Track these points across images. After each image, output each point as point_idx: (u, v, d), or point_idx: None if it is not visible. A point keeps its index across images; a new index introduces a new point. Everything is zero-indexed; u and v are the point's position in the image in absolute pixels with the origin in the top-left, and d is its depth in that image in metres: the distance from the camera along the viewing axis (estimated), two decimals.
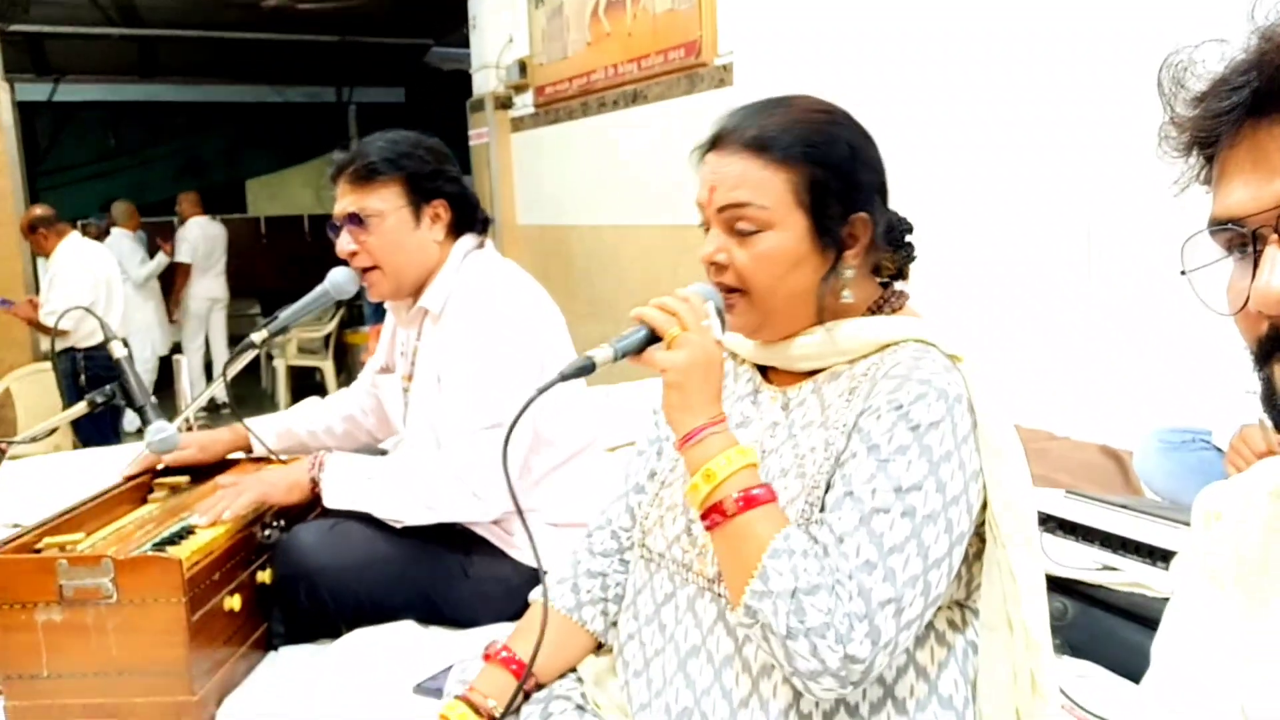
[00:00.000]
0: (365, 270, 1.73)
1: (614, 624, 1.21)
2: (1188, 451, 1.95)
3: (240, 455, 1.96)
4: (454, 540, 1.66)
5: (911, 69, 3.05)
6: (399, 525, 1.60)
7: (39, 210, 4.59)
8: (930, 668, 1.03)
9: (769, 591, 0.91)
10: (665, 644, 1.08)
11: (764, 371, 1.16)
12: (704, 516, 0.99)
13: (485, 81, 6.18)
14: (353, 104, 10.82)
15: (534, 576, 1.28)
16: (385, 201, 1.70)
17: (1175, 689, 0.73)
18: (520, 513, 1.11)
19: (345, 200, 1.72)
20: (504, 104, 6.11)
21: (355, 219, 1.70)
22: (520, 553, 1.70)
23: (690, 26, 4.45)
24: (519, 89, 5.95)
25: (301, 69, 10.10)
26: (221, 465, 1.90)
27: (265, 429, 1.95)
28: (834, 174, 1.05)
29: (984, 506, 1.02)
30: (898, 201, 1.13)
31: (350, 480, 1.62)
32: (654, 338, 1.03)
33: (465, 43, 6.44)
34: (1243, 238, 0.62)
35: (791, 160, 1.04)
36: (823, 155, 1.05)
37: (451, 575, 1.65)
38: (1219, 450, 1.88)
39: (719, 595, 1.04)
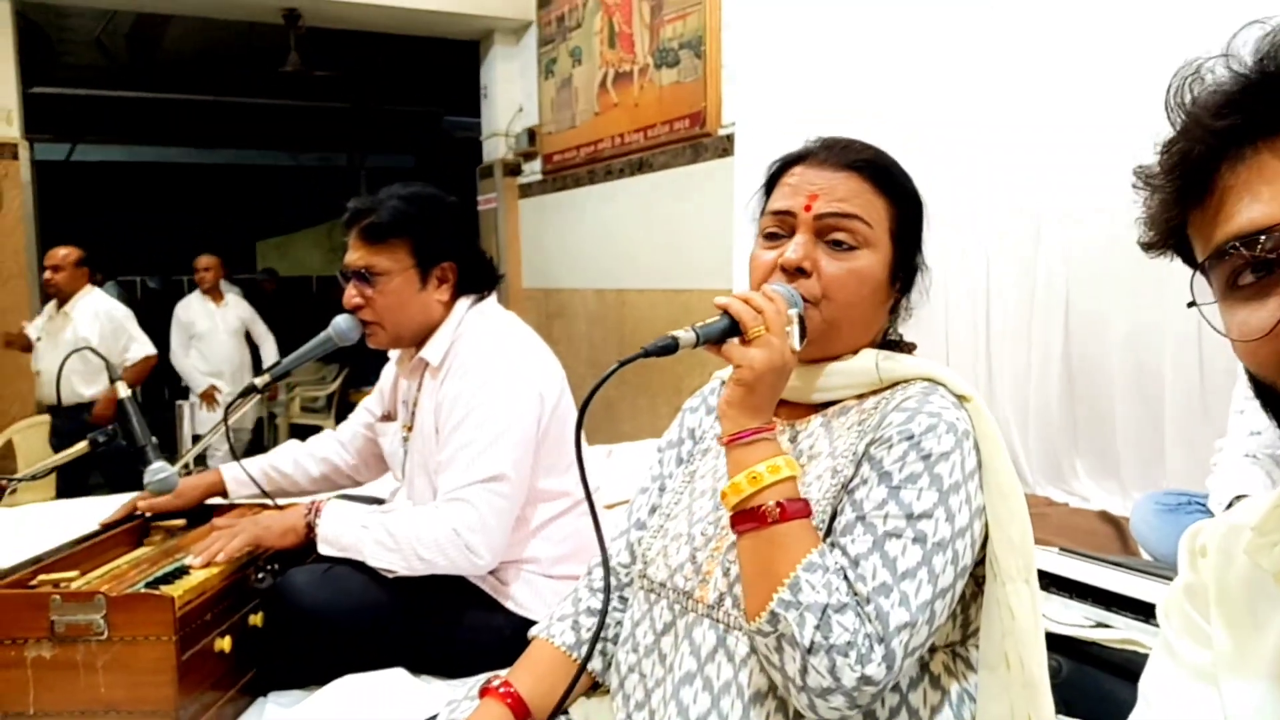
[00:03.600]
0: (367, 323, 1.76)
1: (609, 664, 1.21)
2: (1183, 514, 1.95)
3: (220, 500, 1.95)
4: (447, 589, 1.66)
5: (906, 145, 3.12)
6: (391, 575, 1.60)
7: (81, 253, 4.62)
8: (923, 710, 1.02)
9: (798, 603, 0.92)
10: (665, 674, 1.08)
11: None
12: (737, 518, 0.99)
13: (495, 149, 6.32)
14: (364, 169, 11.01)
15: (527, 627, 1.28)
16: (393, 261, 1.73)
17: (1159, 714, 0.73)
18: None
19: (355, 255, 1.75)
20: (512, 171, 6.23)
21: (362, 275, 1.73)
22: (514, 603, 1.70)
23: (695, 98, 4.56)
24: (527, 156, 6.07)
25: (315, 134, 10.31)
26: (204, 510, 1.91)
27: (240, 473, 1.95)
28: (914, 218, 1.12)
29: (984, 544, 1.03)
30: None
31: (345, 528, 1.62)
32: (734, 330, 1.03)
33: (476, 111, 6.58)
34: (1259, 257, 0.61)
35: (895, 193, 1.11)
36: (913, 198, 1.13)
37: (444, 624, 1.64)
38: (1213, 514, 1.88)
39: (717, 621, 1.04)
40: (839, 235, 1.08)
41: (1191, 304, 0.67)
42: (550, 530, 1.73)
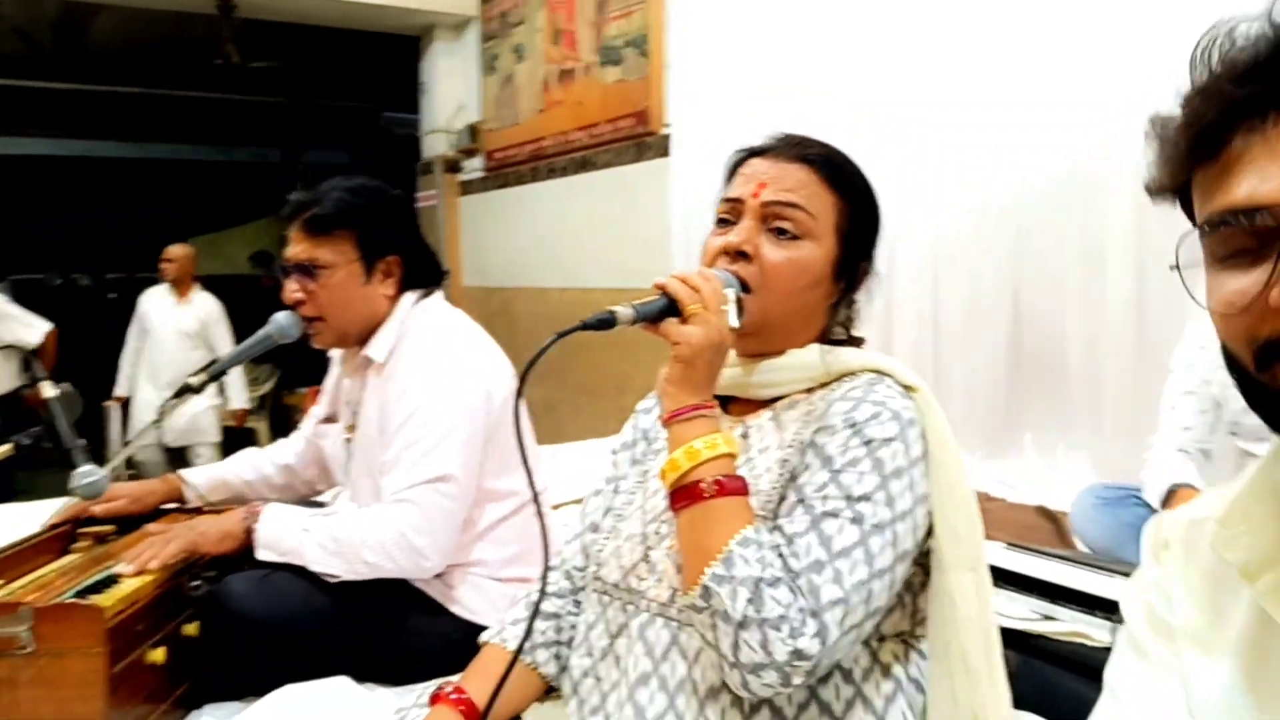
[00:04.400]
0: (310, 319, 1.71)
1: (564, 668, 1.19)
2: (1122, 508, 2.00)
3: (173, 506, 1.89)
4: (393, 594, 1.62)
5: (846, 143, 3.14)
6: (334, 580, 1.55)
7: None
8: (877, 700, 1.03)
9: (731, 577, 0.92)
10: (620, 677, 1.07)
11: (724, 405, 1.17)
12: (675, 496, 0.99)
13: (435, 145, 6.24)
14: (300, 165, 10.79)
15: (475, 632, 1.25)
16: (337, 254, 1.69)
17: (1124, 717, 0.74)
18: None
19: (297, 248, 1.70)
20: (453, 167, 6.17)
21: (305, 269, 1.68)
22: (462, 608, 1.66)
23: (639, 97, 4.55)
24: (469, 153, 6.01)
25: (249, 129, 10.08)
26: (150, 516, 1.84)
27: (200, 479, 1.90)
28: (867, 219, 1.14)
29: (930, 534, 1.03)
30: None
31: (285, 532, 1.57)
32: (672, 309, 1.03)
33: (415, 107, 6.50)
34: (1257, 230, 0.61)
35: (846, 190, 1.12)
36: (866, 200, 1.14)
37: (389, 630, 1.60)
38: (1150, 508, 1.92)
39: (671, 620, 1.04)
40: (782, 223, 1.09)
41: (1174, 267, 0.67)
42: (498, 532, 1.70)
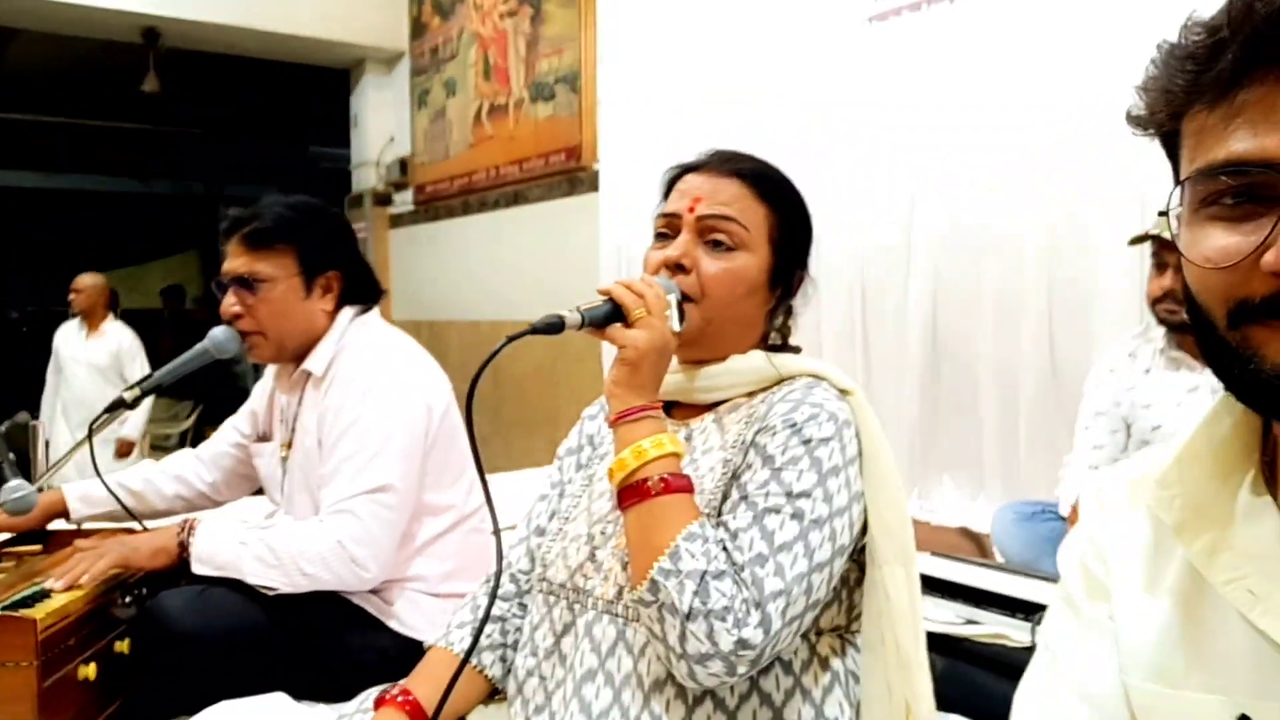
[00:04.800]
0: (247, 334, 1.71)
1: (509, 670, 1.20)
2: (1039, 522, 2.09)
3: (63, 525, 1.84)
4: (330, 609, 1.61)
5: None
6: (272, 593, 1.54)
7: None
8: (815, 691, 1.07)
9: (677, 570, 0.95)
10: (565, 674, 1.09)
11: (668, 410, 1.21)
12: (623, 494, 1.03)
13: (365, 178, 6.24)
14: (223, 197, 10.63)
15: (413, 648, 1.26)
16: (277, 269, 1.70)
17: (1058, 671, 0.76)
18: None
19: (236, 261, 1.70)
20: (383, 200, 6.16)
21: (244, 282, 1.69)
22: (399, 623, 1.66)
23: (570, 132, 4.63)
24: (399, 186, 6.02)
25: (169, 160, 9.91)
26: (41, 534, 1.81)
27: (86, 494, 1.84)
28: (799, 229, 1.19)
29: (865, 530, 1.08)
30: None
31: (221, 545, 1.56)
32: (617, 314, 1.08)
33: (342, 141, 6.49)
34: (1256, 187, 0.59)
35: (777, 202, 1.17)
36: (796, 210, 1.19)
37: (326, 646, 1.59)
38: (1065, 520, 2.02)
39: (617, 616, 1.07)
40: (717, 235, 1.14)
41: (1163, 213, 0.66)
42: (436, 547, 1.71)
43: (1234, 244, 0.60)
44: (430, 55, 5.75)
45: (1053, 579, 1.58)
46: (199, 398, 7.30)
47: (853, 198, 3.03)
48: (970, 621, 1.53)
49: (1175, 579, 0.70)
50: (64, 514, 1.84)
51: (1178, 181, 0.66)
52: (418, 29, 5.85)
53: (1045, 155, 2.51)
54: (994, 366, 2.69)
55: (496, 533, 1.05)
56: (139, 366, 4.97)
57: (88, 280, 5.00)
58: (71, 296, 4.98)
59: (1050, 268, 2.52)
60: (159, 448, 7.20)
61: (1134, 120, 0.68)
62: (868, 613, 1.10)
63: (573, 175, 4.58)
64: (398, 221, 6.09)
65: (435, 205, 5.68)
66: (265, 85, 7.29)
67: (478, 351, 1.06)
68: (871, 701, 1.09)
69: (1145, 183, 2.25)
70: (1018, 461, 2.62)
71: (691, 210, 1.15)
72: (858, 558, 1.11)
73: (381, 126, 6.16)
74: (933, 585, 1.58)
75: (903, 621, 1.08)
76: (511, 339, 1.03)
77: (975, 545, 2.55)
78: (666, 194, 1.21)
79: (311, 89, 6.80)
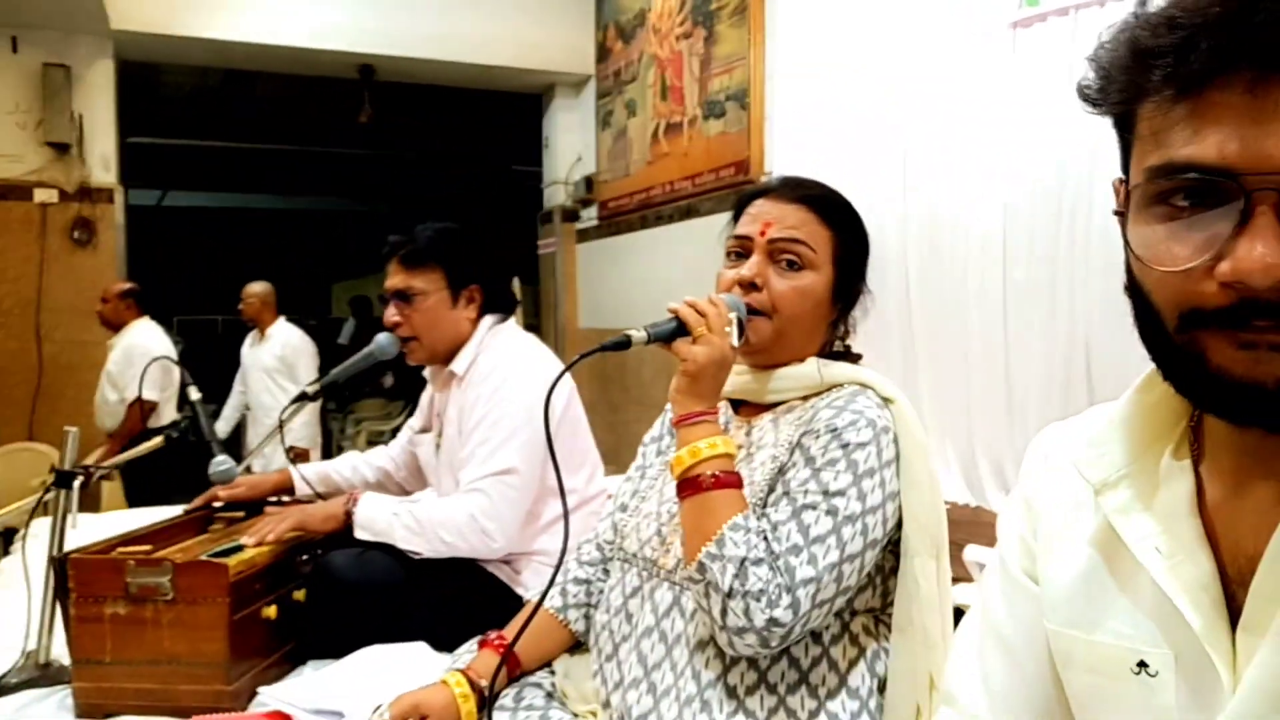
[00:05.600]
0: (405, 339, 2.00)
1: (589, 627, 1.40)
2: None
3: (286, 498, 2.20)
4: (467, 575, 1.87)
5: (935, 194, 3.29)
6: (416, 556, 1.81)
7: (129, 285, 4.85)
8: (842, 663, 1.20)
9: (721, 555, 1.10)
10: (630, 630, 1.27)
11: (736, 407, 1.38)
12: (680, 486, 1.18)
13: (555, 196, 6.61)
14: (428, 215, 11.46)
15: None
16: (428, 283, 1.99)
17: (985, 622, 0.84)
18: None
19: (395, 278, 2.01)
20: (570, 216, 6.52)
21: (402, 295, 1.99)
22: (525, 590, 1.90)
23: (740, 147, 4.79)
24: (585, 203, 6.35)
25: (384, 184, 10.80)
26: (267, 502, 2.15)
27: (308, 472, 2.20)
28: (858, 249, 1.33)
29: (900, 525, 1.21)
30: None
31: (378, 514, 1.85)
32: (682, 331, 1.23)
33: (537, 160, 6.91)
34: (1215, 191, 0.58)
35: (839, 225, 1.31)
36: (856, 232, 1.33)
37: (459, 607, 1.84)
38: None
39: (674, 584, 1.23)
40: (787, 257, 1.28)
41: (1118, 213, 0.66)
42: (558, 526, 1.94)
43: (1186, 248, 0.60)
44: (613, 78, 6.05)
45: None
46: (409, 398, 7.96)
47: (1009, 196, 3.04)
48: None
49: (1095, 533, 0.75)
50: (290, 489, 2.20)
51: (1126, 169, 0.67)
52: (602, 53, 6.16)
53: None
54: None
55: (566, 515, 1.23)
56: (306, 365, 5.27)
57: (253, 289, 5.35)
58: (241, 306, 5.34)
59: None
60: (375, 443, 7.89)
61: (1084, 96, 0.68)
62: (899, 598, 1.21)
63: (741, 188, 4.73)
64: (584, 236, 6.42)
65: (617, 220, 5.96)
66: (469, 112, 7.85)
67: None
68: (899, 675, 1.20)
69: None
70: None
71: (763, 234, 1.29)
72: (894, 549, 1.22)
73: (570, 147, 6.51)
74: None
75: (930, 606, 1.19)
76: (583, 356, 1.22)
77: None
78: (737, 217, 1.36)
79: (509, 113, 7.27)
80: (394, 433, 7.59)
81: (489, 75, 6.21)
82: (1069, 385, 2.76)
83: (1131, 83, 0.63)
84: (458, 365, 1.99)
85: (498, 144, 8.70)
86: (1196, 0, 0.59)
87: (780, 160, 4.36)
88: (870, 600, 1.24)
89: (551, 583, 1.45)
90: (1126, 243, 0.66)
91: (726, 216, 4.45)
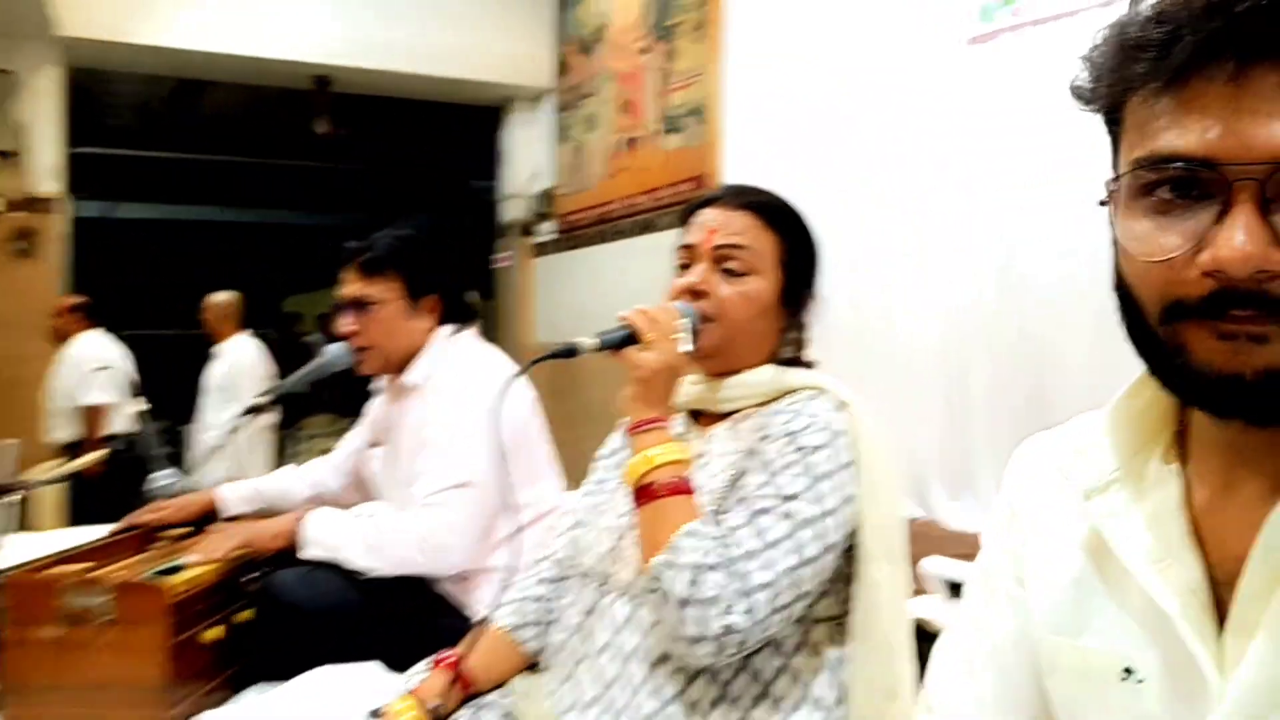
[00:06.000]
0: (360, 349, 1.95)
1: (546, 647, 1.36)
2: None
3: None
4: (420, 594, 1.82)
5: (894, 209, 3.30)
6: (370, 574, 1.76)
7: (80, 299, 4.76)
8: (804, 673, 1.18)
9: (675, 562, 1.08)
10: (588, 648, 1.23)
11: (695, 417, 1.36)
12: (635, 494, 1.16)
13: (512, 209, 6.57)
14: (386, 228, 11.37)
15: None
16: (385, 292, 1.94)
17: (971, 631, 0.82)
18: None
19: (352, 286, 1.96)
20: (528, 230, 6.47)
21: (358, 303, 1.93)
22: (480, 609, 1.85)
23: (698, 161, 4.78)
24: (543, 217, 6.31)
25: (339, 195, 10.69)
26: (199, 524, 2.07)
27: (235, 492, 2.13)
28: (806, 254, 1.32)
29: (858, 530, 1.18)
30: None
31: (329, 530, 1.79)
32: (633, 338, 1.22)
33: (492, 174, 6.87)
34: (1198, 182, 0.59)
35: (784, 230, 1.30)
36: (803, 238, 1.32)
37: (413, 626, 1.79)
38: None
39: (631, 597, 1.20)
40: (731, 263, 1.27)
41: (1103, 203, 0.66)
42: (515, 542, 1.88)
43: (1171, 239, 0.61)
44: (573, 92, 6.03)
45: None
46: (358, 413, 7.85)
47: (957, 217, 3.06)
48: None
49: (1083, 539, 0.74)
50: (215, 510, 2.12)
51: (1116, 164, 0.67)
52: (563, 68, 6.14)
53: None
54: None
55: (519, 530, 1.20)
56: (250, 385, 4.83)
57: (212, 299, 5.20)
58: (201, 317, 5.19)
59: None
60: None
61: (1077, 93, 0.68)
62: (858, 605, 1.19)
63: None
64: (541, 250, 6.38)
65: (575, 234, 5.94)
66: (426, 124, 7.79)
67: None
68: (858, 685, 1.18)
69: None
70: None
71: (708, 241, 1.28)
72: (853, 553, 1.20)
73: (528, 160, 6.47)
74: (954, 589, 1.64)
75: (889, 613, 1.17)
76: (532, 363, 1.20)
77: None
78: (685, 226, 1.35)
79: (467, 127, 7.22)
80: None
81: (447, 88, 6.16)
82: (1015, 393, 2.77)
83: (1119, 77, 0.64)
84: (414, 376, 1.95)
85: (454, 157, 8.65)
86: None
87: (739, 174, 4.36)
88: (831, 607, 1.22)
89: (504, 599, 1.41)
90: (1114, 238, 0.66)
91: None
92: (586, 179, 5.86)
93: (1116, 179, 0.66)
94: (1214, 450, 0.69)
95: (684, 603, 1.06)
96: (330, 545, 1.78)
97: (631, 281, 5.30)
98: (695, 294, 1.28)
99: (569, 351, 1.20)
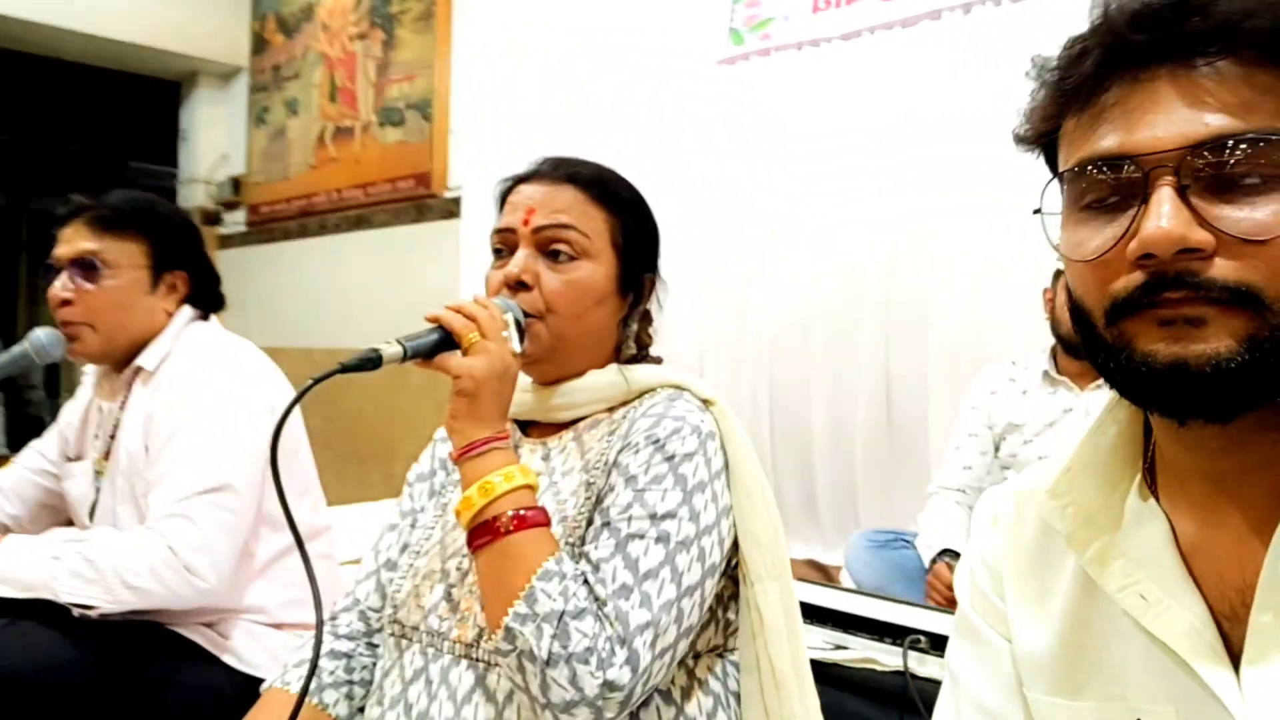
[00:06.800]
0: (73, 325, 1.55)
1: (360, 710, 1.10)
2: (890, 550, 2.14)
3: None
4: (158, 642, 1.45)
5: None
6: (92, 614, 1.37)
7: None
8: (700, 718, 1.02)
9: (534, 615, 0.88)
10: None
11: (524, 428, 1.15)
12: (473, 535, 0.94)
13: (192, 195, 5.89)
14: (28, 210, 9.83)
15: (252, 686, 1.14)
16: (124, 256, 1.57)
17: (960, 693, 0.77)
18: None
19: (78, 242, 1.55)
20: (212, 220, 5.84)
21: (85, 264, 1.54)
22: (236, 658, 1.52)
23: (422, 158, 4.53)
24: (230, 206, 5.72)
25: None
26: None
27: None
28: (643, 232, 1.14)
29: (736, 546, 1.04)
30: None
31: (29, 562, 1.38)
32: (448, 342, 0.99)
33: (165, 158, 6.13)
34: (1121, 181, 0.62)
35: (616, 206, 1.11)
36: (639, 212, 1.14)
37: (154, 684, 1.43)
38: (917, 550, 2.07)
39: (476, 661, 0.98)
40: (557, 246, 1.08)
41: (1037, 211, 0.68)
42: (277, 570, 1.57)
43: (1105, 239, 0.62)
44: (272, 72, 5.52)
45: (914, 604, 1.60)
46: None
47: (707, 237, 3.06)
48: (839, 647, 1.53)
49: (1068, 589, 0.72)
50: None
51: (1057, 179, 0.68)
52: (259, 45, 5.61)
53: (894, 201, 2.58)
54: (832, 402, 2.72)
55: (311, 577, 0.95)
56: None
57: None
58: None
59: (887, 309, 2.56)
60: None
61: (1018, 139, 0.72)
62: (742, 633, 1.06)
63: (421, 202, 4.48)
64: (227, 242, 5.77)
65: (270, 227, 5.43)
66: (81, 93, 6.80)
67: (307, 378, 0.96)
68: None
69: (988, 234, 2.33)
70: (855, 497, 2.65)
71: (526, 223, 1.08)
72: (732, 573, 1.07)
73: (213, 143, 5.86)
74: (804, 611, 1.58)
75: (777, 640, 1.04)
76: (317, 380, 0.94)
77: (824, 575, 2.59)
78: (500, 207, 1.15)
79: (134, 100, 6.39)
80: None
81: (120, 53, 5.41)
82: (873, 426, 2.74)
83: (1045, 110, 0.68)
84: (146, 360, 1.56)
85: (120, 134, 7.64)
86: (1092, 25, 0.64)
87: (468, 177, 4.16)
88: (713, 637, 1.07)
89: (290, 659, 1.14)
90: (1060, 253, 0.67)
91: (405, 229, 4.15)
92: (286, 168, 5.39)
93: (1058, 197, 0.67)
94: (1191, 479, 0.67)
95: (550, 662, 0.87)
96: (30, 580, 1.36)
97: (341, 280, 4.93)
98: (516, 286, 1.07)
99: (368, 363, 0.93)
